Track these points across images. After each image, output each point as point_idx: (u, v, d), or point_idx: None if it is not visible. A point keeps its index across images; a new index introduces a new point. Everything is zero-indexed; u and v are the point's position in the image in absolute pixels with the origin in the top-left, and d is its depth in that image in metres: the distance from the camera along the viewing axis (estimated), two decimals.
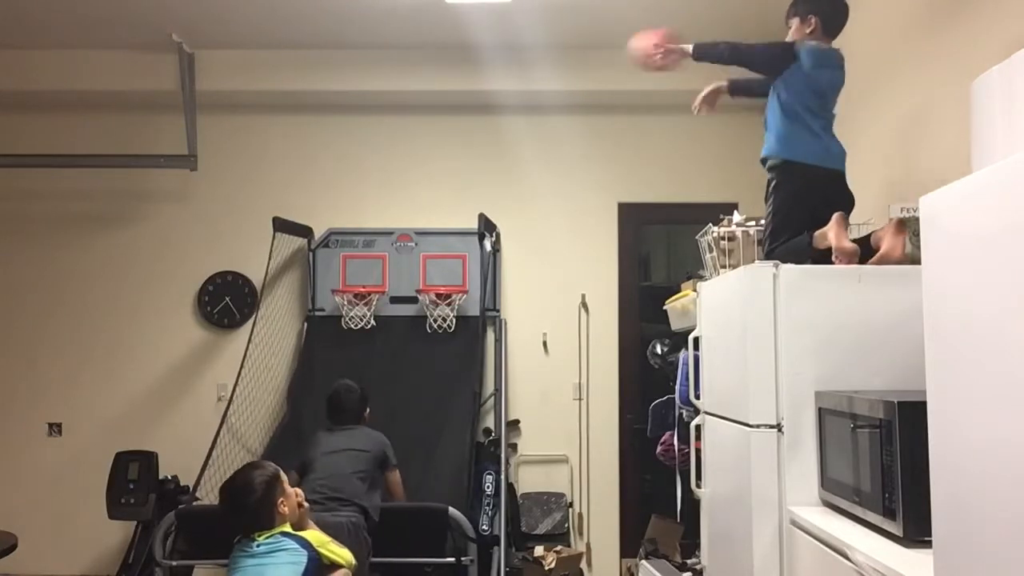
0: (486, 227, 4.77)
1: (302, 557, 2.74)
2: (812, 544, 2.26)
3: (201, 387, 5.19)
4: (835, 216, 2.68)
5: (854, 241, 2.66)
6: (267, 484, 2.80)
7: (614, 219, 5.30)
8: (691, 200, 5.17)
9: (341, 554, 2.88)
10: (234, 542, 2.82)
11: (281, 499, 2.82)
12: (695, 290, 3.42)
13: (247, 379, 4.75)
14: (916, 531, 1.91)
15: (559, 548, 4.74)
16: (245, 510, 2.78)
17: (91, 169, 5.19)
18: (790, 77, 2.91)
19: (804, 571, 2.34)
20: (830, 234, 2.65)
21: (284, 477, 2.88)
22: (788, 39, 3.03)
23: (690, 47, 3.06)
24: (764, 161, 3.01)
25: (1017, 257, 1.29)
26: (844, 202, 2.87)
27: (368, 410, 4.02)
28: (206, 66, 4.99)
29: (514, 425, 5.13)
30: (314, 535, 2.88)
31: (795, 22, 3.02)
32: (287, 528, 2.82)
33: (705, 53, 3.03)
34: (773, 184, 2.97)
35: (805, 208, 2.85)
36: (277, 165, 5.31)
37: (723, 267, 3.26)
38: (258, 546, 2.74)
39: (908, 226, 2.72)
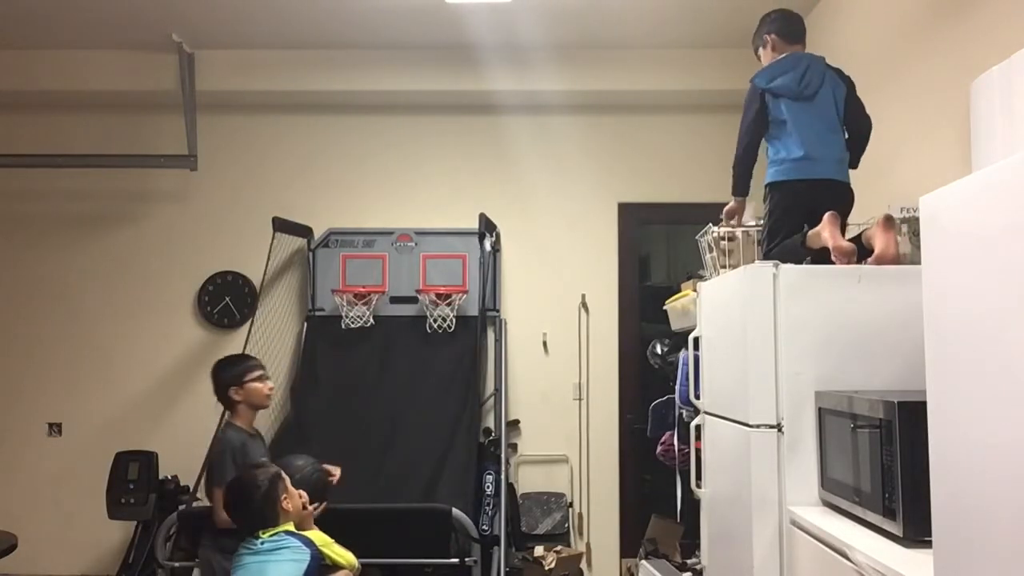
0: (486, 227, 4.77)
1: (305, 556, 2.77)
2: (812, 544, 2.26)
3: (201, 387, 5.15)
4: (826, 216, 2.67)
5: (848, 241, 2.67)
6: (270, 482, 2.84)
7: (614, 219, 5.30)
8: (691, 200, 5.16)
9: (344, 555, 2.90)
10: (240, 543, 2.85)
11: (284, 496, 2.85)
12: (695, 290, 3.42)
13: None
14: (916, 531, 1.91)
15: (559, 548, 4.74)
16: (250, 508, 2.81)
17: (91, 169, 5.19)
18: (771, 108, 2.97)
19: (804, 571, 2.34)
20: (824, 234, 2.65)
21: (286, 476, 2.91)
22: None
23: (732, 200, 3.17)
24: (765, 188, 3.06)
25: (1017, 257, 1.29)
26: (839, 202, 2.87)
27: (235, 387, 3.28)
28: (206, 66, 4.99)
29: (514, 425, 5.13)
30: (317, 535, 2.90)
31: (760, 51, 3.13)
32: (291, 527, 2.84)
33: (738, 186, 3.11)
34: (768, 189, 2.99)
35: (800, 208, 2.86)
36: (277, 165, 5.31)
37: (723, 267, 3.26)
38: (262, 544, 2.77)
39: (909, 226, 2.73)
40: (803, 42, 3.08)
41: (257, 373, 3.35)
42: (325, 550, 2.85)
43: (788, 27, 3.07)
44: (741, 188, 3.11)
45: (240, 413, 3.30)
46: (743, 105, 3.04)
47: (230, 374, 3.31)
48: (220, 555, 3.06)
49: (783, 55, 3.02)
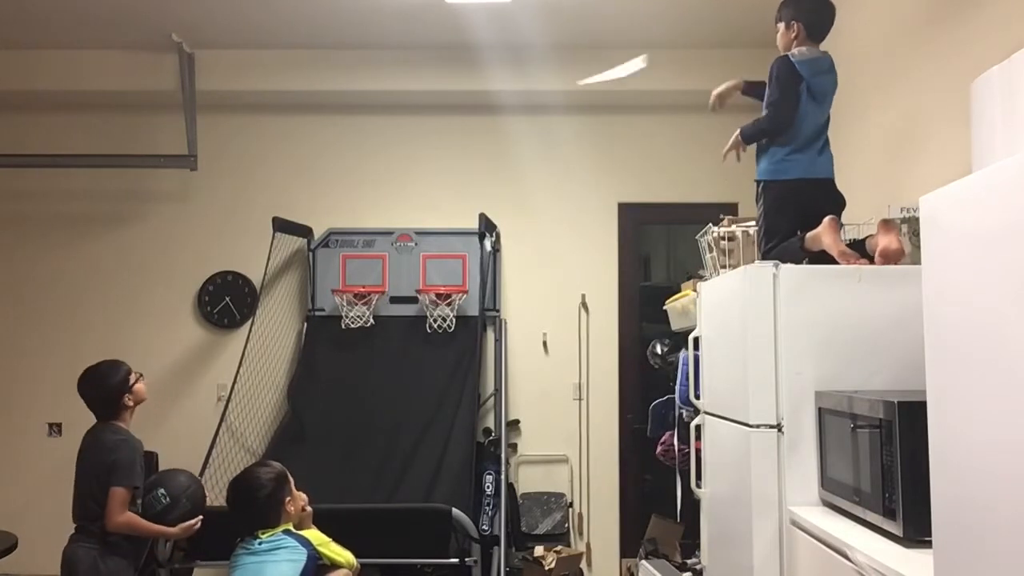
0: (486, 227, 4.78)
1: (302, 555, 2.76)
2: (812, 544, 2.26)
3: (201, 387, 5.19)
4: (826, 221, 2.67)
5: (849, 246, 2.67)
6: (276, 482, 2.84)
7: (614, 219, 5.30)
8: (691, 200, 5.17)
9: (342, 554, 2.89)
10: (237, 541, 2.84)
11: (288, 498, 2.84)
12: (695, 290, 3.42)
13: (247, 379, 4.75)
14: (916, 531, 1.91)
15: (559, 548, 4.74)
16: (253, 507, 2.81)
17: (91, 169, 5.19)
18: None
19: (804, 571, 2.34)
20: (826, 240, 2.65)
21: (291, 478, 2.91)
22: (778, 43, 3.04)
23: (738, 133, 3.07)
24: (757, 183, 3.03)
25: (1017, 257, 1.29)
26: (833, 201, 2.87)
27: (127, 393, 3.28)
28: (206, 66, 4.99)
29: (514, 425, 5.13)
30: (314, 534, 2.90)
31: (781, 27, 3.03)
32: (289, 527, 2.84)
33: (752, 134, 3.02)
34: (761, 187, 2.98)
35: (797, 206, 2.86)
36: (277, 165, 5.30)
37: (723, 267, 3.26)
38: (260, 544, 2.77)
39: (909, 226, 2.73)
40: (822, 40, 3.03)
41: (136, 374, 3.34)
42: (322, 549, 2.84)
43: (818, 24, 2.98)
44: (755, 133, 3.01)
45: (126, 417, 3.29)
46: (777, 80, 2.91)
47: (117, 380, 3.27)
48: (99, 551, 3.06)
49: (814, 51, 2.94)
